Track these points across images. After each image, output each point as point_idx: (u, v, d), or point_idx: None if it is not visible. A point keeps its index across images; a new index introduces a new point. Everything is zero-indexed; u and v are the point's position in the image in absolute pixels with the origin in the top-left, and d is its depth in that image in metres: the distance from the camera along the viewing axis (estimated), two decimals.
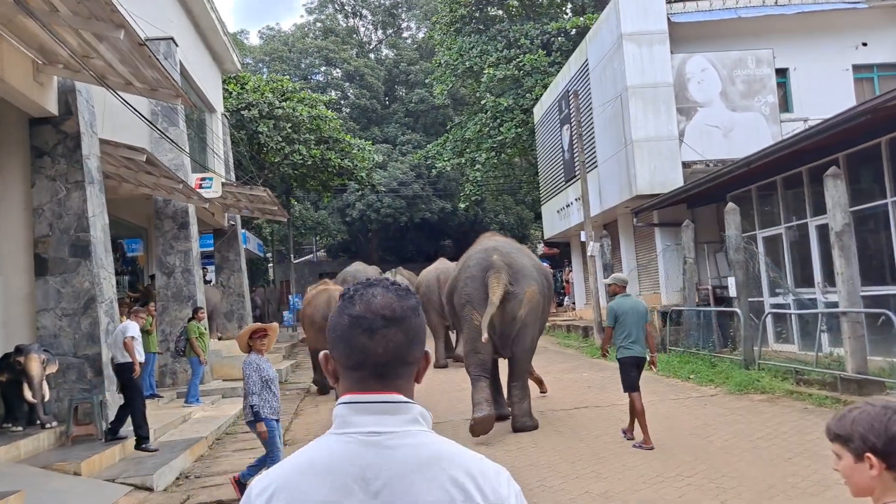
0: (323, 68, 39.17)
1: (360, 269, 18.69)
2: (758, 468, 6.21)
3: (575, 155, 19.79)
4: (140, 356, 8.40)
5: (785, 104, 16.33)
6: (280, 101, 21.80)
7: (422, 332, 1.30)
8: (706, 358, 11.74)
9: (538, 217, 42.59)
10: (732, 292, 10.97)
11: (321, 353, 1.33)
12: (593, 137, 17.96)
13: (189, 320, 11.71)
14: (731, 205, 11.22)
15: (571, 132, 20.03)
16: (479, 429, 7.84)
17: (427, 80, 34.15)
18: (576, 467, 6.73)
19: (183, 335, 11.58)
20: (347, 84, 39.29)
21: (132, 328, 8.44)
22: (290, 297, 27.16)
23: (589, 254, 15.82)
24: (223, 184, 14.92)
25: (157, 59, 8.15)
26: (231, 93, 21.46)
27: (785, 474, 5.94)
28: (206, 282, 19.55)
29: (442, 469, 1.19)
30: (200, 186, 14.47)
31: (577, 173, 19.80)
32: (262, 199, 16.47)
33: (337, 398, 1.31)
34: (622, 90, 15.83)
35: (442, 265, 15.91)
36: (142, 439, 8.22)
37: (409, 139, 36.69)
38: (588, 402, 10.09)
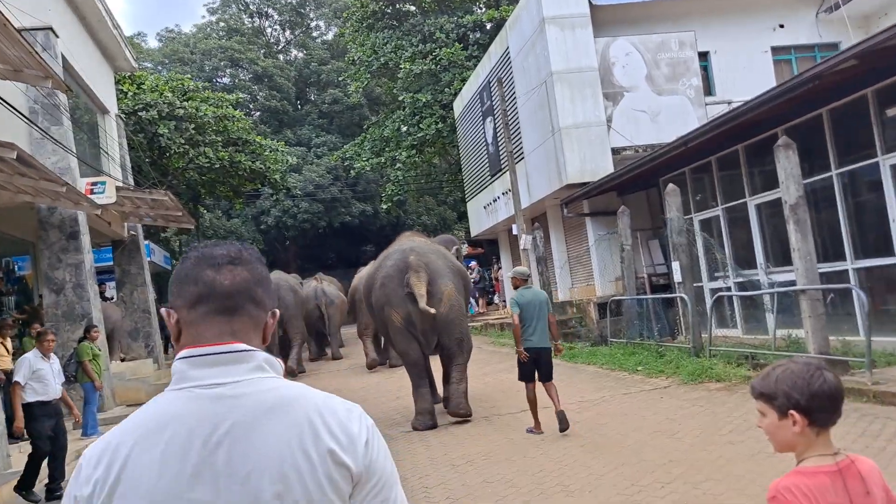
0: (229, 70, 37.29)
1: (279, 278, 17.66)
2: (742, 465, 5.53)
3: (500, 147, 19.16)
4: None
5: (707, 88, 16.14)
6: (181, 101, 20.20)
7: (269, 282, 1.29)
8: (652, 348, 11.19)
9: (461, 217, 42.03)
10: (677, 277, 10.46)
11: (162, 310, 1.30)
12: (519, 127, 17.34)
13: (80, 341, 10.24)
14: (671, 186, 10.72)
15: (496, 123, 19.39)
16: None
17: (341, 79, 32.96)
18: (541, 483, 5.88)
19: (73, 358, 10.10)
20: (256, 86, 37.55)
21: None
22: None
23: (522, 247, 15.14)
24: (118, 188, 13.39)
25: (21, 35, 6.85)
26: (126, 93, 19.73)
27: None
28: (106, 299, 17.81)
29: (289, 410, 1.16)
30: (92, 192, 12.92)
31: (503, 166, 19.17)
32: (165, 205, 14.96)
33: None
34: (547, 76, 15.24)
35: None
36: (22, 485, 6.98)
37: (325, 141, 35.36)
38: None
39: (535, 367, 7.48)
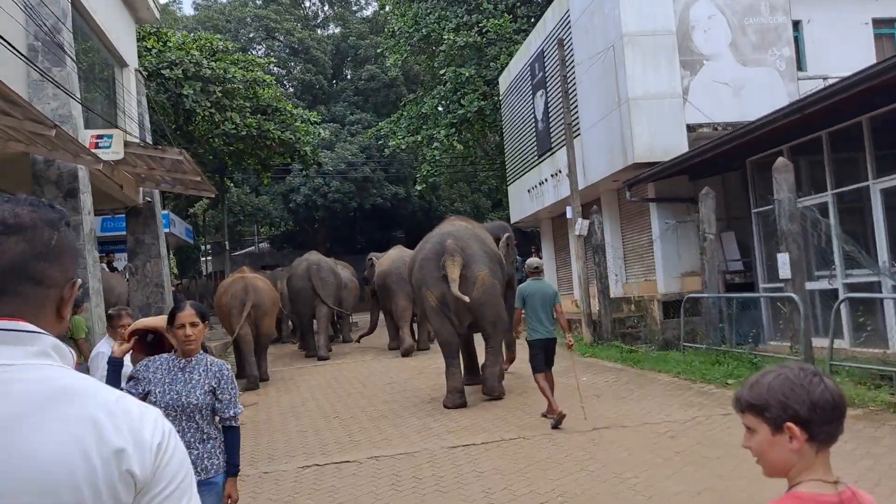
0: (265, 42, 35.81)
1: (319, 259, 16.46)
2: None
3: (552, 123, 17.31)
4: None
5: (798, 61, 14.12)
6: (209, 61, 18.67)
7: (62, 252, 1.13)
8: (743, 357, 9.34)
9: (496, 205, 40.21)
10: (784, 273, 8.58)
11: None
12: (576, 100, 15.46)
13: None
14: (781, 160, 8.84)
15: (547, 97, 17.54)
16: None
17: (379, 51, 31.22)
18: None
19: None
20: (291, 59, 36.01)
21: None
22: None
23: (577, 233, 13.33)
24: (127, 143, 11.86)
25: None
26: (150, 49, 18.25)
27: None
28: (113, 269, 16.41)
29: (70, 406, 1.03)
30: (97, 146, 11.43)
31: (553, 145, 17.33)
32: (182, 167, 13.41)
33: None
34: (616, 39, 13.35)
35: (405, 252, 15.53)
36: None
37: (359, 119, 33.72)
38: (610, 419, 7.52)
39: (545, 357, 7.62)
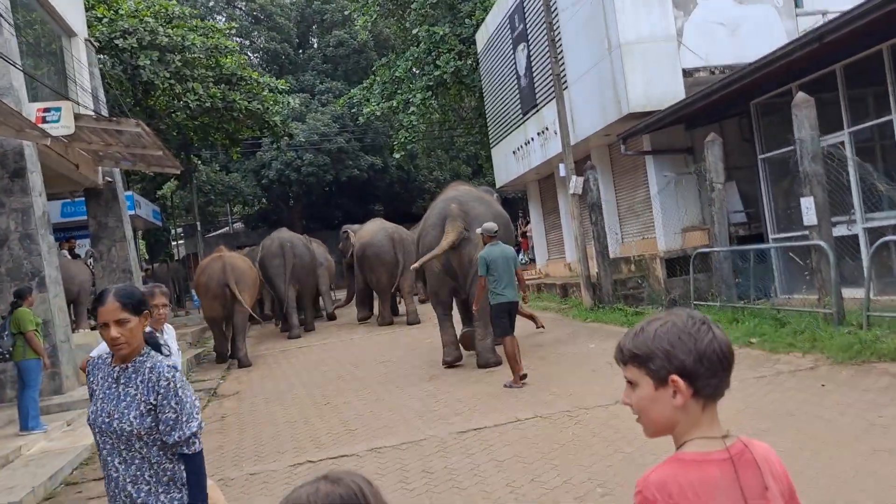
0: (225, 11, 34.16)
1: (292, 236, 16.44)
2: None
3: (535, 78, 16.40)
4: None
5: None
6: (165, 29, 17.41)
7: None
8: (765, 313, 8.65)
9: (476, 172, 39.23)
10: (809, 219, 7.84)
11: None
12: (562, 51, 14.53)
13: (14, 306, 7.74)
14: (802, 95, 8.07)
15: (529, 51, 16.60)
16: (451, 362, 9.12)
17: (347, 13, 29.92)
18: None
19: (7, 329, 7.60)
20: (254, 27, 34.45)
21: None
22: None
23: (571, 191, 12.52)
24: (79, 117, 10.78)
25: None
26: (101, 19, 16.95)
27: None
28: (75, 256, 15.34)
29: None
30: (44, 120, 10.33)
31: (539, 101, 16.45)
32: (141, 141, 12.34)
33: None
34: None
35: (386, 224, 15.78)
36: None
37: (329, 88, 32.42)
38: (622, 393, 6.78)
39: (509, 320, 7.64)
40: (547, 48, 15.40)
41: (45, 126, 10.15)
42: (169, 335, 4.23)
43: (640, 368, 1.33)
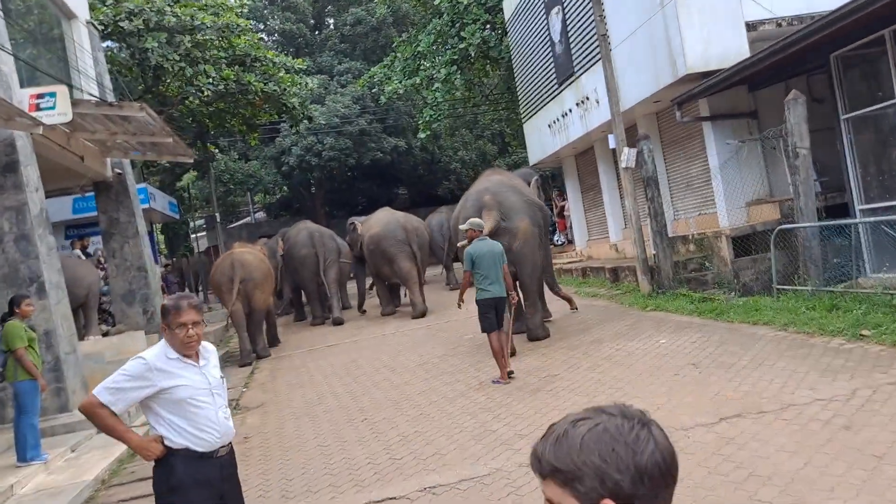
0: None
1: (302, 228, 16.30)
2: None
3: (572, 44, 15.05)
4: None
5: None
6: (172, 8, 16.31)
7: None
8: (879, 299, 7.36)
9: (502, 151, 37.89)
10: None
11: None
12: (603, 10, 13.14)
13: (4, 318, 6.72)
14: None
15: (564, 14, 15.23)
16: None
17: None
18: None
19: None
20: (268, 8, 33.25)
21: None
22: None
23: (623, 165, 11.22)
24: (76, 102, 9.72)
25: None
26: (104, 1, 15.90)
27: None
28: (86, 255, 14.41)
29: None
30: (38, 107, 9.30)
31: (576, 68, 15.10)
32: (148, 128, 11.28)
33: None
34: None
35: (396, 213, 15.50)
36: None
37: (348, 68, 31.18)
38: (737, 402, 5.56)
39: (496, 316, 7.54)
40: (584, 10, 14.06)
41: (38, 114, 9.11)
42: (208, 358, 3.25)
43: (563, 488, 1.05)
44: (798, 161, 8.74)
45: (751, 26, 11.03)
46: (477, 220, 8.10)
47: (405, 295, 15.58)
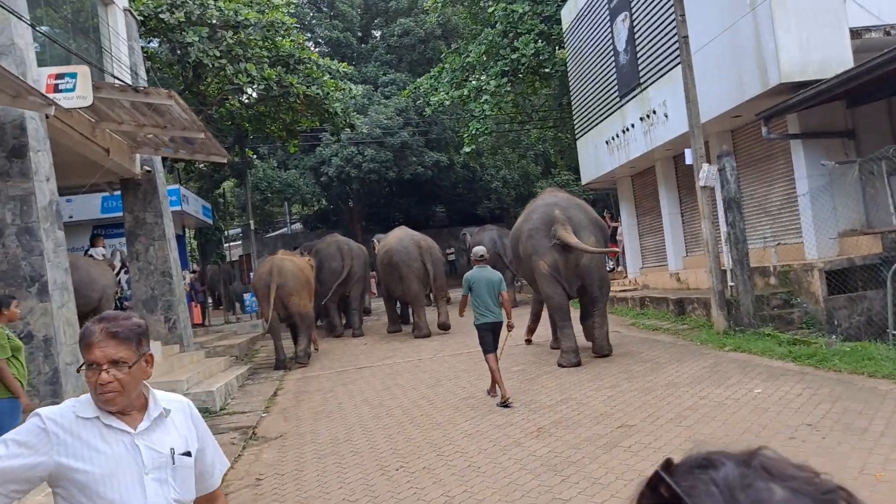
0: None
1: (331, 241, 16.79)
2: None
3: (639, 53, 13.85)
4: None
5: None
6: (216, 2, 15.56)
7: None
8: None
9: (545, 172, 36.65)
10: None
11: None
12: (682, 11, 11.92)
13: None
14: None
15: (632, 21, 14.06)
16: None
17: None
18: None
19: None
20: (315, 16, 32.69)
21: None
22: (251, 275, 21.00)
23: (702, 183, 9.92)
24: (97, 85, 8.81)
25: None
26: None
27: None
28: (105, 258, 13.55)
29: None
30: (56, 88, 8.41)
31: (642, 80, 13.88)
32: (178, 120, 10.38)
33: None
34: None
35: (412, 232, 15.65)
36: None
37: (393, 79, 30.36)
38: (877, 490, 4.24)
39: (493, 338, 7.84)
40: (656, 14, 12.88)
41: (57, 96, 8.23)
42: (159, 421, 2.10)
43: None
44: None
45: (855, 33, 9.72)
46: (480, 248, 8.40)
47: (435, 301, 15.39)
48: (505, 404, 7.41)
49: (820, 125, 10.39)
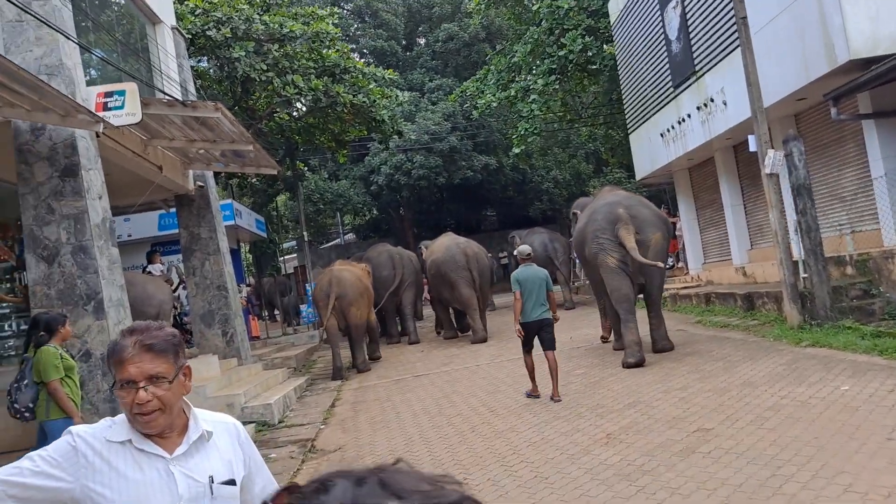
0: (328, 7, 32.84)
1: (382, 250, 16.94)
2: None
3: (693, 40, 13.33)
4: None
5: None
6: (261, 17, 15.67)
7: None
8: None
9: (597, 171, 35.95)
10: None
11: None
12: None
13: (38, 344, 5.65)
14: None
15: (684, 7, 13.55)
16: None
17: (456, 3, 27.62)
18: None
19: (28, 377, 5.55)
20: (359, 25, 32.88)
21: None
22: (307, 286, 21.09)
23: (768, 170, 9.39)
24: (146, 101, 8.85)
25: None
26: (193, 9, 15.43)
27: None
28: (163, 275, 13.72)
29: None
30: (105, 106, 8.46)
31: (697, 68, 13.35)
32: (229, 134, 10.39)
33: None
34: None
35: (458, 238, 15.56)
36: None
37: (439, 85, 30.27)
38: None
39: (534, 338, 7.94)
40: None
41: (106, 114, 8.26)
42: (199, 445, 1.89)
43: None
44: None
45: None
46: (524, 247, 8.45)
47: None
48: (532, 395, 7.88)
49: (894, 104, 9.73)
